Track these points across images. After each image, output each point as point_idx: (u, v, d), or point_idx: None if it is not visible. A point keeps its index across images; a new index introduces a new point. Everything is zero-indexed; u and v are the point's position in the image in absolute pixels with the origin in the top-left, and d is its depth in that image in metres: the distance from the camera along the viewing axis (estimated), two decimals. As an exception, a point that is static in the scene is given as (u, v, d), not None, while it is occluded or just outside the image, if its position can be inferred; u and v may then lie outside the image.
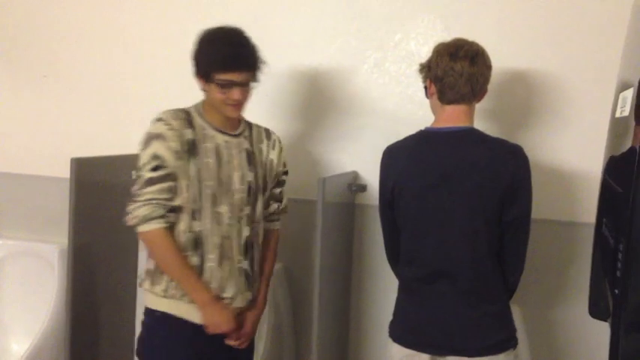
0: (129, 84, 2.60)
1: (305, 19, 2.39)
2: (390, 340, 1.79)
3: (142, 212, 1.72)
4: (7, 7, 2.72)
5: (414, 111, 2.26)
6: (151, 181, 1.73)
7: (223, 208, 1.80)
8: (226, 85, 1.74)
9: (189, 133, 1.78)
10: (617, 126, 1.96)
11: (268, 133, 1.98)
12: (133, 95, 2.61)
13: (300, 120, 2.42)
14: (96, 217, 2.19)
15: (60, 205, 2.33)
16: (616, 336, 1.64)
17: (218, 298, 1.81)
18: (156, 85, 2.56)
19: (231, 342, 1.86)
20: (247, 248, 1.86)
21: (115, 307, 2.35)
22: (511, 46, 2.14)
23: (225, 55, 1.73)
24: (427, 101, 1.81)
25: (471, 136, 1.71)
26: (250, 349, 1.97)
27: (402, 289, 1.82)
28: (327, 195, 2.00)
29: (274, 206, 2.01)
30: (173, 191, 1.75)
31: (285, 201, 2.04)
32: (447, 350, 1.69)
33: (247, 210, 1.86)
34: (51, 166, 2.65)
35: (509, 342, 1.72)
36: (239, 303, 1.85)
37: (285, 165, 2.01)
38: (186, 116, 1.80)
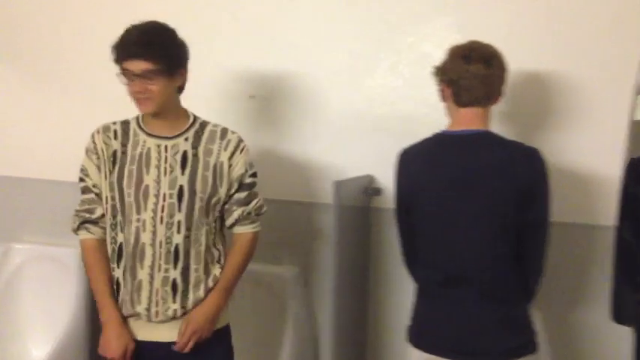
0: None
1: (317, 22, 2.38)
2: (409, 345, 1.78)
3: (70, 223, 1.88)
4: (10, 8, 2.75)
5: (428, 114, 2.23)
6: (81, 194, 1.87)
7: (147, 215, 1.76)
8: (127, 76, 1.70)
9: (114, 144, 1.81)
10: (636, 128, 1.93)
11: (224, 133, 1.84)
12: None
13: (312, 123, 2.40)
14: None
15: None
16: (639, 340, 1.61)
17: (123, 320, 1.79)
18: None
19: (175, 348, 1.78)
20: (177, 257, 1.77)
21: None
22: (526, 47, 2.11)
23: (122, 42, 1.70)
24: (442, 104, 1.79)
25: (486, 139, 1.69)
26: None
27: (419, 293, 1.81)
28: (342, 198, 1.99)
29: (239, 211, 1.85)
30: (93, 203, 1.84)
31: (254, 204, 1.88)
32: (467, 354, 1.68)
33: (179, 216, 1.76)
34: (69, 171, 2.67)
35: (529, 346, 1.70)
36: (158, 316, 1.77)
37: (248, 167, 1.85)
38: (120, 127, 1.84)
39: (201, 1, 2.52)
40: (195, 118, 1.87)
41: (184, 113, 1.85)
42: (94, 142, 1.83)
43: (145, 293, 1.77)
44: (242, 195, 1.86)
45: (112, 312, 1.79)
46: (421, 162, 1.74)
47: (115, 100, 2.62)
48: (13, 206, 2.84)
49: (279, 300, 2.38)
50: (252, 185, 1.88)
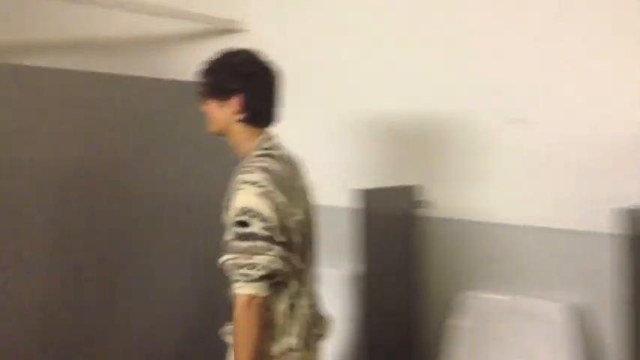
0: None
1: (574, 40, 2.29)
2: None
3: None
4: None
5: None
6: None
7: None
8: None
9: None
10: None
11: (237, 174, 1.70)
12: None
13: (584, 148, 2.27)
14: (376, 244, 2.32)
15: (342, 233, 2.39)
16: None
17: None
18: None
19: None
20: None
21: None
22: None
23: None
24: None
25: None
26: None
27: None
28: (634, 228, 1.82)
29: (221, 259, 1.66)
30: None
31: (227, 259, 1.60)
32: None
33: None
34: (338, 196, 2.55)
35: None
36: None
37: (237, 212, 1.60)
38: None
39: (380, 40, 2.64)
40: (249, 151, 1.73)
41: (244, 147, 1.75)
42: None
43: None
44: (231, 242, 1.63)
45: None
46: None
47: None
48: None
49: (551, 338, 2.24)
50: (237, 235, 1.60)
